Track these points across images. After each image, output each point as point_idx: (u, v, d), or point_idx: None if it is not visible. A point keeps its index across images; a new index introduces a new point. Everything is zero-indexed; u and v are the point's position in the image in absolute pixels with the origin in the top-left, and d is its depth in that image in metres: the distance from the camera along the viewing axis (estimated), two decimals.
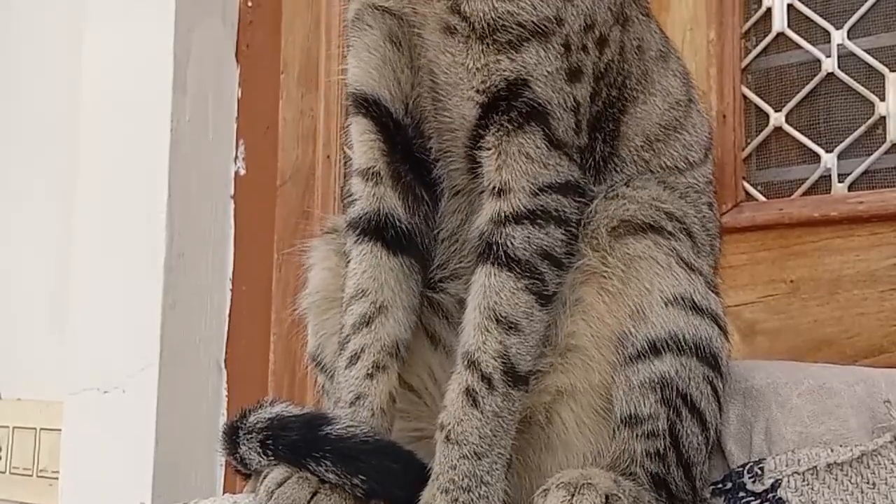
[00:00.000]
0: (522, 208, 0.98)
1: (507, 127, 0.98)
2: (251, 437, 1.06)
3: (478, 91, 0.99)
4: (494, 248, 0.98)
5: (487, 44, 0.98)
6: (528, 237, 0.98)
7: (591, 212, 1.04)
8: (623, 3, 1.07)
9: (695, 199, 1.13)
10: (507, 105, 0.98)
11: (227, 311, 2.10)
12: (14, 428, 2.26)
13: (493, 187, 1.00)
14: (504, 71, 0.97)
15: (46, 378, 2.18)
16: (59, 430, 2.06)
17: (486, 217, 1.00)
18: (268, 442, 1.04)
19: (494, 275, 0.98)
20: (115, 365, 1.98)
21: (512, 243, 0.98)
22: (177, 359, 1.98)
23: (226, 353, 2.08)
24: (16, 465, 2.24)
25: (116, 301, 2.01)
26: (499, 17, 0.97)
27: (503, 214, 0.99)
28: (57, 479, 2.05)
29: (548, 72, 0.98)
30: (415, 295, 1.10)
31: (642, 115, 1.11)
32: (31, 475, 2.21)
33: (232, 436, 1.09)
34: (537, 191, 0.99)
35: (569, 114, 1.00)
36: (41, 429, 2.20)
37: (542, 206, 0.99)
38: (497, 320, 0.97)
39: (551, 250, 0.99)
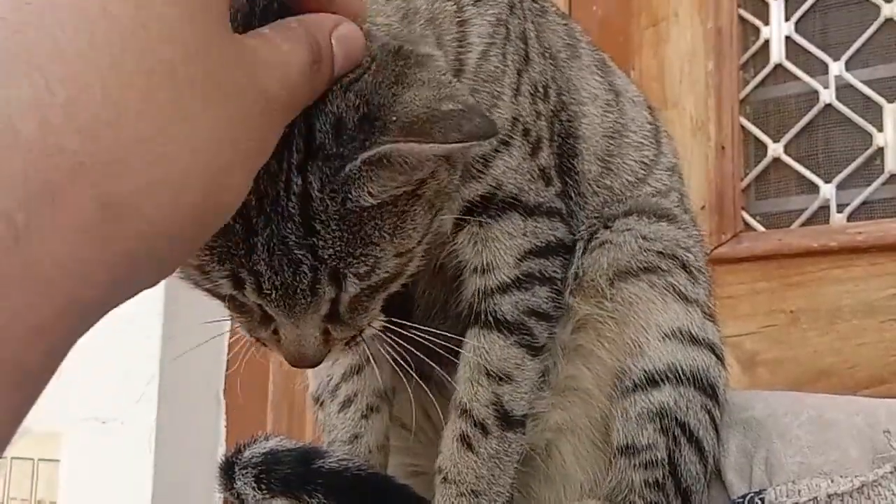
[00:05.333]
0: (507, 279, 0.96)
1: (482, 222, 0.95)
2: (246, 472, 1.05)
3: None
4: (483, 315, 0.97)
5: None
6: (516, 302, 0.96)
7: (579, 263, 1.03)
8: (519, 18, 0.98)
9: (675, 210, 1.11)
10: (482, 207, 0.94)
11: (227, 343, 2.09)
12: (12, 458, 2.25)
13: (475, 268, 0.97)
14: (476, 190, 0.93)
15: (44, 409, 2.15)
16: (58, 460, 2.05)
17: (471, 291, 0.97)
18: (262, 476, 1.04)
19: (484, 336, 0.96)
20: (114, 396, 1.97)
21: (500, 309, 0.96)
22: (175, 390, 1.97)
23: (224, 384, 2.07)
24: (13, 495, 2.23)
25: (115, 331, 2.00)
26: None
27: (489, 288, 0.96)
28: None
29: (515, 166, 0.94)
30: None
31: (589, 134, 1.06)
32: None
33: (228, 471, 1.09)
34: (519, 260, 0.96)
35: (538, 182, 0.97)
36: (39, 459, 2.19)
37: (526, 272, 0.97)
38: (488, 374, 0.96)
39: (538, 308, 0.98)
